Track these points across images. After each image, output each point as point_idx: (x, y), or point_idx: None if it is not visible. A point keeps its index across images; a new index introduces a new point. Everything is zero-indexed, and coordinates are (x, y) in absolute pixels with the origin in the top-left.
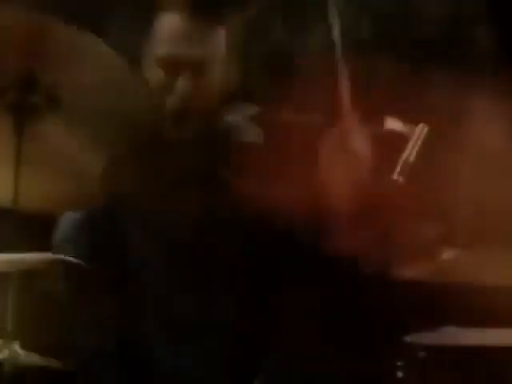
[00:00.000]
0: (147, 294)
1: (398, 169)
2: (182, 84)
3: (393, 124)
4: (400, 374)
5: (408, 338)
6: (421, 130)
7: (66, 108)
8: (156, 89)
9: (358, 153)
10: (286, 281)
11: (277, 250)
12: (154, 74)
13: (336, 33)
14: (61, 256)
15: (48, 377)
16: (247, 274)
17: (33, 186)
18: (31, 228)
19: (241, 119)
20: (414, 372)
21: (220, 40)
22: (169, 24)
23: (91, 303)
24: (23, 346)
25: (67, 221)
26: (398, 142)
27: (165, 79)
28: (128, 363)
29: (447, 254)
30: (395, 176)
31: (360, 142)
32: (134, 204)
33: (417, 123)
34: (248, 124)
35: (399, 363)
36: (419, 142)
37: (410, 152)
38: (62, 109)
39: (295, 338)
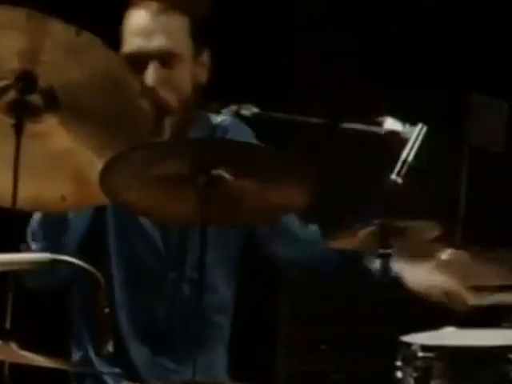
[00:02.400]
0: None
1: (397, 169)
2: (149, 76)
3: (392, 124)
4: (400, 374)
5: (408, 338)
6: (420, 130)
7: (66, 108)
8: None
9: None
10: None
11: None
12: None
13: None
14: (61, 256)
15: (48, 377)
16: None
17: (32, 185)
18: None
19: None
20: (413, 372)
21: (185, 33)
22: (135, 20)
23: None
24: (23, 346)
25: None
26: (396, 141)
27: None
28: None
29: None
30: (393, 176)
31: None
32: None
33: (416, 123)
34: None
35: (399, 363)
36: (418, 142)
37: (409, 152)
38: (61, 108)
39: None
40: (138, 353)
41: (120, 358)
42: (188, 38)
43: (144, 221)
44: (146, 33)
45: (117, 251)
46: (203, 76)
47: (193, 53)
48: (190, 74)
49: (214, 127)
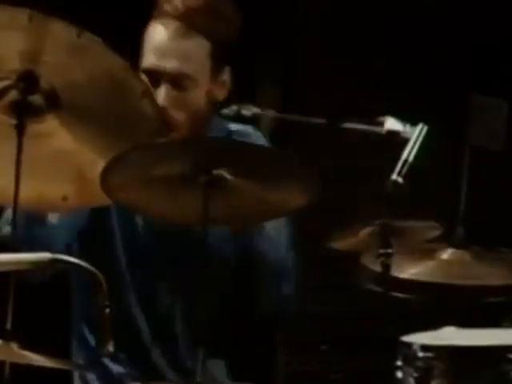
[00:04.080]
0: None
1: (397, 169)
2: (160, 95)
3: (393, 124)
4: (400, 374)
5: (408, 338)
6: (420, 130)
7: (67, 108)
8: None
9: None
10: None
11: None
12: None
13: None
14: (60, 256)
15: (48, 377)
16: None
17: (34, 185)
18: None
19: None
20: (414, 372)
21: (203, 56)
22: (154, 35)
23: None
24: (23, 346)
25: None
26: (397, 142)
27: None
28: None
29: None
30: (394, 176)
31: None
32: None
33: (416, 123)
34: (255, 131)
35: (399, 363)
36: (419, 142)
37: (409, 152)
38: (62, 109)
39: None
40: (158, 353)
41: (139, 358)
42: (206, 62)
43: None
44: (162, 53)
45: (124, 249)
46: (221, 94)
47: (212, 73)
48: (204, 95)
49: (232, 134)
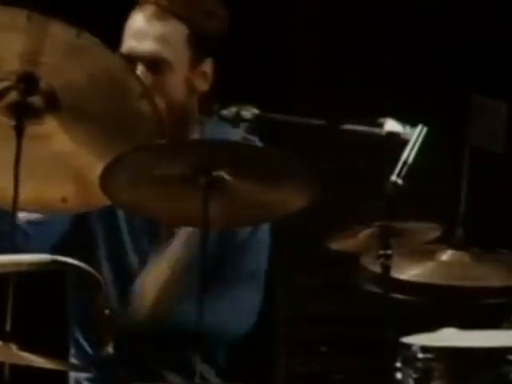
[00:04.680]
0: None
1: (397, 170)
2: None
3: (393, 125)
4: (400, 376)
5: (408, 340)
6: (420, 132)
7: (66, 109)
8: None
9: None
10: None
11: None
12: None
13: None
14: (60, 258)
15: (48, 378)
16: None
17: (33, 187)
18: None
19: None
20: (413, 373)
21: (180, 40)
22: (132, 22)
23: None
24: (23, 347)
25: None
26: (397, 143)
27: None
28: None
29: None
30: (394, 177)
31: None
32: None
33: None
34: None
35: (399, 364)
36: (418, 144)
37: (409, 153)
38: (62, 110)
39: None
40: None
41: (125, 359)
42: (184, 47)
43: (133, 221)
44: (138, 35)
45: (106, 254)
46: (202, 85)
47: (191, 62)
48: (183, 81)
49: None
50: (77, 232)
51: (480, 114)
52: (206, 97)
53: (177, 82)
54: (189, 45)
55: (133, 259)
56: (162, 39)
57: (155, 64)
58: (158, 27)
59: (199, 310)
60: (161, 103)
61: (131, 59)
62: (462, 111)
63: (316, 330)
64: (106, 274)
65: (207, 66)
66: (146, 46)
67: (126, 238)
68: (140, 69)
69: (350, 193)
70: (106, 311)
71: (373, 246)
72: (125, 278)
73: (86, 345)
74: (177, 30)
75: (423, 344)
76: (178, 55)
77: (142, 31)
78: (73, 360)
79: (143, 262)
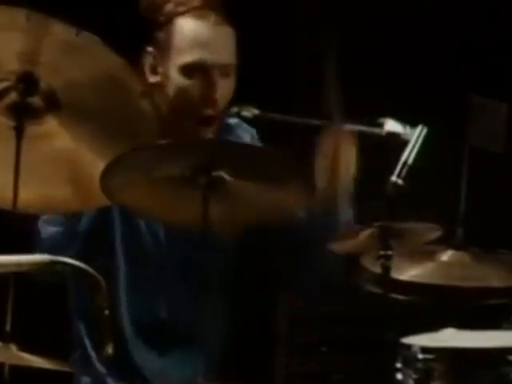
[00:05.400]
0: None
1: (397, 170)
2: (214, 89)
3: (393, 126)
4: (400, 376)
5: (408, 340)
6: (420, 132)
7: (66, 109)
8: (181, 97)
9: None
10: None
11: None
12: (178, 81)
13: None
14: (60, 257)
15: (48, 378)
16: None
17: (33, 187)
18: None
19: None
20: (414, 374)
21: (234, 42)
22: (191, 29)
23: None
24: (23, 347)
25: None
26: (397, 143)
27: (192, 86)
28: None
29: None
30: (394, 178)
31: None
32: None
33: (416, 125)
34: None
35: (399, 365)
36: (418, 144)
37: (409, 154)
38: (62, 110)
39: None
40: (142, 353)
41: (123, 360)
42: (235, 47)
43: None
44: (209, 44)
45: (122, 243)
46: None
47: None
48: (235, 80)
49: (225, 128)
50: (99, 222)
51: (480, 114)
52: None
53: (234, 84)
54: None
55: (147, 241)
56: (229, 45)
57: (227, 70)
58: (224, 34)
59: (199, 309)
60: (224, 104)
61: (201, 69)
62: (462, 111)
63: (316, 330)
64: (119, 258)
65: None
66: (221, 55)
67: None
68: (217, 80)
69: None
70: (106, 311)
71: (373, 247)
72: (139, 260)
73: (89, 345)
74: (232, 33)
75: (423, 344)
76: (236, 58)
77: (211, 39)
78: (78, 361)
79: (157, 245)
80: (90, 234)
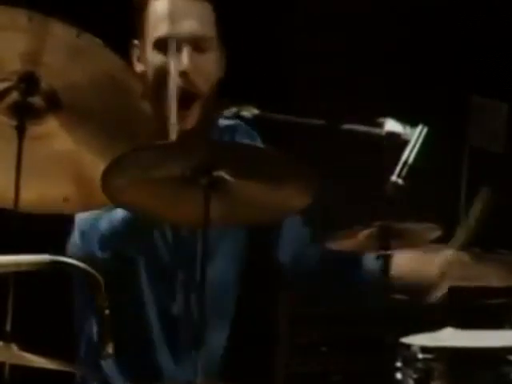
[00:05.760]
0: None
1: (397, 170)
2: (184, 60)
3: (393, 125)
4: (399, 376)
5: (408, 340)
6: (420, 132)
7: (67, 109)
8: (156, 74)
9: None
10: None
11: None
12: (152, 59)
13: None
14: (60, 257)
15: (48, 378)
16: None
17: (34, 187)
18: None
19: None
20: (413, 373)
21: (211, 16)
22: (163, 4)
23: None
24: (23, 347)
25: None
26: (397, 143)
27: (163, 60)
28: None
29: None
30: (394, 177)
31: None
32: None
33: (416, 124)
34: (247, 127)
35: (399, 365)
36: (419, 144)
37: (409, 154)
38: (63, 110)
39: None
40: (164, 354)
41: (146, 360)
42: (214, 24)
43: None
44: (178, 17)
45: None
46: (223, 68)
47: (217, 40)
48: (217, 60)
49: (222, 130)
50: None
51: (480, 114)
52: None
53: (215, 61)
54: (215, 23)
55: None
56: (201, 18)
57: (200, 43)
58: (196, 6)
59: (199, 309)
60: (204, 85)
61: (173, 42)
62: (462, 111)
63: (316, 330)
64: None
65: (223, 49)
66: (191, 25)
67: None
68: (186, 50)
69: (349, 193)
70: (106, 311)
71: (373, 246)
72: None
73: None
74: (207, 8)
75: (423, 344)
76: (213, 33)
77: (181, 12)
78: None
79: (169, 250)
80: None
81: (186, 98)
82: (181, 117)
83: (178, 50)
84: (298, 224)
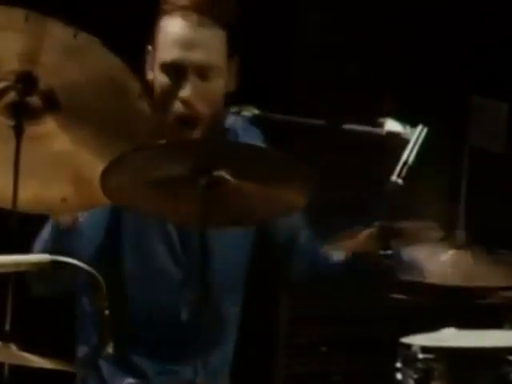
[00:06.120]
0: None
1: (397, 170)
2: (187, 88)
3: (393, 125)
4: (400, 376)
5: (408, 340)
6: (420, 132)
7: (65, 109)
8: (160, 94)
9: None
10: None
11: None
12: (159, 79)
13: None
14: (60, 257)
15: (48, 378)
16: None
17: (32, 187)
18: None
19: (243, 122)
20: (414, 373)
21: (222, 45)
22: (174, 29)
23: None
24: (22, 346)
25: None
26: (397, 143)
27: (170, 84)
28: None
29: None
30: (394, 177)
31: None
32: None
33: (416, 124)
34: (251, 126)
35: (399, 365)
36: (419, 144)
37: (409, 153)
38: (60, 110)
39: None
40: (147, 361)
41: (127, 363)
42: (224, 50)
43: (163, 221)
44: (187, 45)
45: (132, 253)
46: (233, 85)
47: (226, 63)
48: (224, 85)
49: (226, 129)
50: (109, 228)
51: (480, 114)
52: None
53: (221, 87)
54: (226, 47)
55: (158, 247)
56: (210, 47)
57: (205, 72)
58: (206, 35)
59: (199, 309)
60: (206, 111)
61: (178, 68)
62: (462, 111)
63: (316, 330)
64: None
65: (236, 65)
66: (198, 54)
67: (153, 225)
68: (191, 78)
69: (349, 193)
70: (106, 311)
71: (373, 246)
72: (149, 265)
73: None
74: (219, 36)
75: (423, 344)
76: (222, 60)
77: (191, 40)
78: (82, 359)
79: (169, 251)
80: (99, 246)
81: (188, 122)
82: (184, 135)
83: (183, 77)
84: (308, 237)
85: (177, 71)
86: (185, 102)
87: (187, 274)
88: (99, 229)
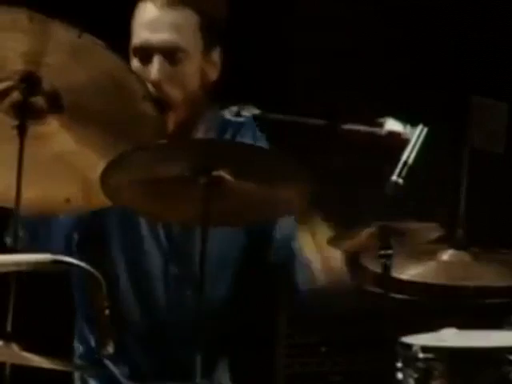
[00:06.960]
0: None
1: (398, 170)
2: (153, 70)
3: (393, 125)
4: (400, 376)
5: (408, 340)
6: (420, 131)
7: (69, 109)
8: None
9: None
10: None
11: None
12: (134, 64)
13: None
14: (61, 256)
15: (48, 378)
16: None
17: (36, 187)
18: None
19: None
20: (414, 373)
21: (194, 28)
22: (143, 13)
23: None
24: (23, 346)
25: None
26: (397, 143)
27: (141, 68)
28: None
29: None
30: (394, 177)
31: None
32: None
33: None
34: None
35: (399, 364)
36: (419, 144)
37: (410, 153)
38: (64, 110)
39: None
40: (141, 353)
41: (123, 358)
42: (197, 35)
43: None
44: (152, 26)
45: (122, 249)
46: (212, 74)
47: (202, 50)
48: (197, 71)
49: (226, 124)
50: (94, 224)
51: (480, 114)
52: (212, 87)
53: (193, 72)
54: (201, 33)
55: (149, 246)
56: (177, 28)
57: (172, 54)
58: (173, 16)
59: (199, 309)
60: (178, 94)
61: (146, 51)
62: (463, 112)
63: (316, 330)
64: (118, 262)
65: (217, 55)
66: (163, 36)
67: (143, 224)
68: (157, 60)
69: (350, 193)
70: (106, 311)
71: (373, 246)
72: (140, 267)
73: (92, 342)
74: (190, 18)
75: (424, 344)
76: (193, 44)
77: (156, 21)
78: (80, 359)
79: (159, 249)
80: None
81: (160, 106)
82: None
83: (149, 59)
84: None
85: (145, 54)
86: (154, 84)
87: (172, 268)
88: (72, 221)
